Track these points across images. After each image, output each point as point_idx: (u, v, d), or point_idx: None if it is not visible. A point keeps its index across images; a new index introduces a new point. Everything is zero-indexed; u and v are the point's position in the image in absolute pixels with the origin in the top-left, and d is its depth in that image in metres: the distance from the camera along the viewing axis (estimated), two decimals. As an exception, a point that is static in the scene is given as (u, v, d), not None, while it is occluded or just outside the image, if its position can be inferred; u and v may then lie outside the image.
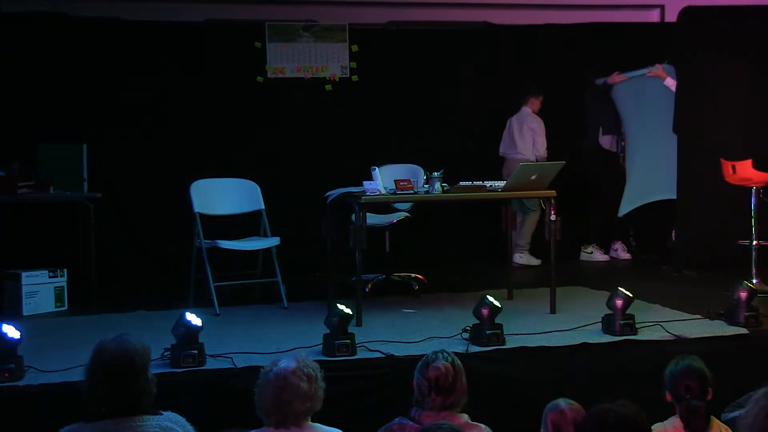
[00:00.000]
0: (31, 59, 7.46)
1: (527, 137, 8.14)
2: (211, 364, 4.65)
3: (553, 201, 5.88)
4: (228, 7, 8.30)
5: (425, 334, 5.21)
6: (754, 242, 6.67)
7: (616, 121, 8.28)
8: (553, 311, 5.91)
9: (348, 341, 4.81)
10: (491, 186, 5.91)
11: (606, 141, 8.26)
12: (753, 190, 6.67)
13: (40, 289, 6.32)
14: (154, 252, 7.71)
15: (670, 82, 7.65)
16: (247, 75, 8.00)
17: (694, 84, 7.60)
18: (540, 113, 8.25)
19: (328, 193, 6.09)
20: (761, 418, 2.38)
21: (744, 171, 6.63)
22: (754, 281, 6.49)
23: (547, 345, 5.04)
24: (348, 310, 4.83)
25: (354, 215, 5.75)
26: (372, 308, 6.07)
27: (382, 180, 5.85)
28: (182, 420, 3.16)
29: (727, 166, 6.73)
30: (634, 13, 9.16)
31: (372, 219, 6.61)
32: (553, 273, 5.99)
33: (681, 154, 7.68)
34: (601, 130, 8.25)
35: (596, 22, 8.74)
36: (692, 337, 5.20)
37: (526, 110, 8.21)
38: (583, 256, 8.39)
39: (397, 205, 6.93)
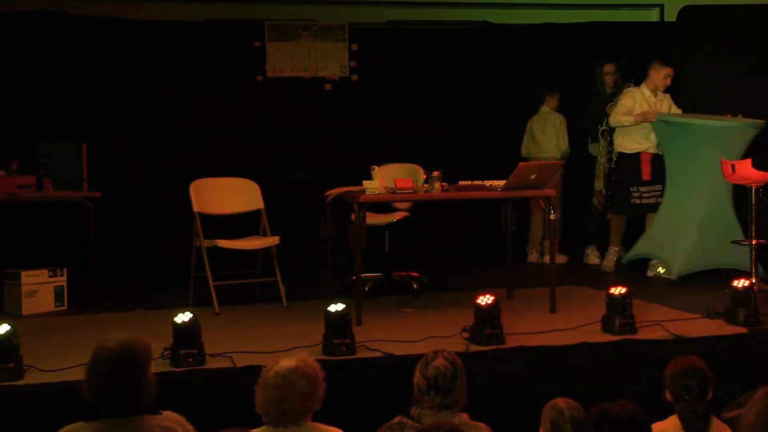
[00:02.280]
0: (30, 58, 7.46)
1: (551, 135, 8.17)
2: (211, 364, 4.66)
3: (552, 200, 5.88)
4: (227, 6, 8.32)
5: (425, 333, 5.21)
6: (753, 241, 6.67)
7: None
8: (552, 311, 5.91)
9: (348, 341, 4.81)
10: (491, 186, 5.91)
11: (594, 149, 8.11)
12: (752, 190, 6.67)
13: (40, 288, 6.32)
14: (154, 251, 7.71)
15: None
16: (246, 74, 8.00)
17: (694, 82, 7.61)
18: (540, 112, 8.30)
19: (328, 193, 6.09)
20: (762, 418, 2.38)
21: (743, 170, 6.63)
22: (753, 280, 6.50)
23: (546, 345, 5.04)
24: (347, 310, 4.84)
25: (353, 214, 5.75)
26: (372, 308, 6.08)
27: (381, 179, 5.85)
28: (182, 420, 3.15)
29: (726, 165, 6.73)
30: (634, 12, 9.16)
31: (372, 218, 6.61)
32: (552, 273, 5.99)
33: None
34: (590, 138, 8.15)
35: (595, 22, 8.74)
36: (692, 336, 5.20)
37: (545, 109, 8.24)
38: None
39: (397, 205, 6.93)
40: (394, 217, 6.90)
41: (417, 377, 3.60)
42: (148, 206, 7.70)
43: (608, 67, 8.02)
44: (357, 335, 4.95)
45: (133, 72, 7.73)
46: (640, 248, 7.46)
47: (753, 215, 6.66)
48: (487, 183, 5.94)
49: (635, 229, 7.68)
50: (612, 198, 7.70)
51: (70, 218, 7.04)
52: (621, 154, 7.50)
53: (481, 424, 3.55)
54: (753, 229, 6.65)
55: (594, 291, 6.58)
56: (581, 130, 8.23)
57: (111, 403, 3.07)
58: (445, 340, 5.00)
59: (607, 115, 7.82)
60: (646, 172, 7.42)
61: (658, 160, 7.42)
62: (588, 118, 8.15)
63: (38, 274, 6.33)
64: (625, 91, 7.57)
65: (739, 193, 6.81)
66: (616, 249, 7.73)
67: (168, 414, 3.14)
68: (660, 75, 7.37)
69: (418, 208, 7.00)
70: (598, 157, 8.03)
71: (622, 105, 7.42)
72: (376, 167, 5.94)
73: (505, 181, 5.80)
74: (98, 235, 6.67)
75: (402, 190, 5.77)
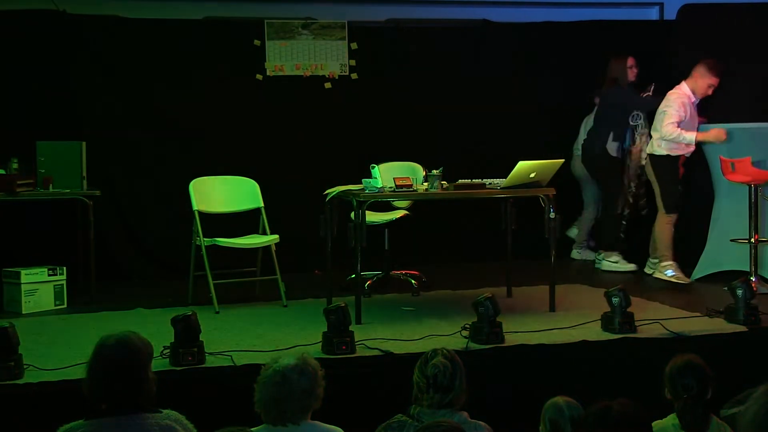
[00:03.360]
0: (30, 57, 7.45)
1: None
2: (210, 362, 4.66)
3: (552, 198, 5.87)
4: (227, 4, 8.30)
5: (424, 331, 5.22)
6: (753, 239, 6.67)
7: (623, 129, 7.76)
8: (552, 309, 5.91)
9: (347, 339, 4.81)
10: (490, 184, 5.91)
11: (613, 147, 7.83)
12: (751, 188, 6.66)
13: (40, 287, 6.32)
14: (154, 250, 7.70)
15: None
16: (246, 73, 7.99)
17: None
18: (540, 111, 8.30)
19: (328, 191, 6.09)
20: (761, 415, 2.38)
21: (743, 168, 6.62)
22: (752, 279, 6.50)
23: (546, 343, 5.05)
24: (347, 308, 4.84)
25: (353, 213, 5.75)
26: (371, 306, 6.08)
27: (381, 178, 5.85)
28: (182, 418, 3.16)
29: (726, 163, 6.72)
30: (634, 10, 9.15)
31: (371, 217, 6.61)
32: (552, 271, 5.99)
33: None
34: (611, 135, 7.77)
35: (595, 20, 8.73)
36: (692, 335, 5.20)
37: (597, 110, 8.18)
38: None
39: (397, 203, 6.93)
40: (394, 215, 6.90)
41: (416, 376, 3.60)
42: (147, 205, 7.70)
43: (630, 60, 7.74)
44: (356, 334, 4.95)
45: (133, 70, 7.73)
46: (708, 266, 7.14)
47: (753, 213, 6.66)
48: (487, 181, 5.95)
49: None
50: (667, 197, 7.23)
51: (69, 217, 7.04)
52: (667, 156, 7.15)
53: (481, 423, 3.55)
54: (753, 227, 6.65)
55: (593, 289, 6.58)
56: (595, 127, 8.01)
57: (111, 400, 3.07)
58: (445, 339, 5.01)
59: (635, 109, 7.68)
60: (680, 173, 7.31)
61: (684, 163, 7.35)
62: (609, 116, 7.81)
63: (38, 273, 6.33)
64: (671, 95, 7.13)
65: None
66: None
67: (168, 412, 3.14)
68: (704, 83, 7.09)
69: (417, 207, 7.00)
70: (629, 156, 7.74)
71: (673, 114, 7.03)
72: (375, 165, 5.94)
73: (504, 180, 5.80)
74: (98, 234, 6.69)
75: (401, 188, 5.76)
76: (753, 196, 6.67)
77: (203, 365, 4.63)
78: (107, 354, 3.11)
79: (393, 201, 6.77)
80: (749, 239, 6.68)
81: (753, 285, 6.34)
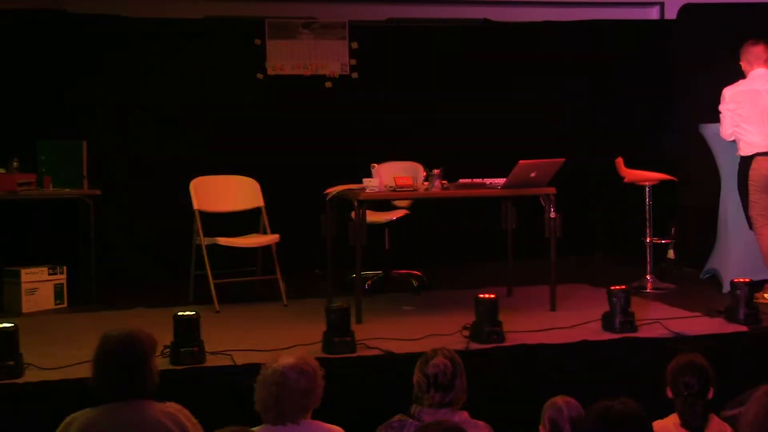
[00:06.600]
0: (30, 56, 7.45)
1: None
2: (210, 362, 4.67)
3: (552, 198, 5.87)
4: (228, 4, 8.30)
5: (425, 331, 5.21)
6: (647, 239, 6.85)
7: None
8: (553, 309, 5.91)
9: (348, 338, 4.82)
10: (491, 184, 5.91)
11: None
12: (646, 189, 6.83)
13: (40, 286, 6.33)
14: (154, 249, 7.70)
15: None
16: (246, 72, 7.99)
17: (694, 81, 7.60)
18: (540, 111, 8.29)
19: (328, 191, 6.09)
20: (761, 416, 2.38)
21: (619, 170, 6.88)
22: (648, 277, 6.70)
23: (546, 342, 5.05)
24: (347, 308, 4.84)
25: (353, 212, 5.75)
26: (372, 306, 6.08)
27: (381, 177, 5.84)
28: (185, 410, 3.19)
29: (620, 164, 6.89)
30: (634, 10, 9.16)
31: (371, 217, 6.61)
32: (553, 270, 5.99)
33: (681, 151, 7.69)
34: None
35: (595, 20, 8.73)
36: (692, 334, 5.20)
37: None
38: None
39: (397, 203, 6.93)
40: (394, 215, 6.91)
41: (417, 375, 3.60)
42: (148, 204, 7.69)
43: None
44: (357, 333, 4.95)
45: (133, 70, 7.72)
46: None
47: (648, 215, 6.81)
48: (487, 181, 5.95)
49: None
50: None
51: (70, 216, 7.04)
52: None
53: (481, 422, 3.55)
54: (649, 228, 6.80)
55: (594, 289, 6.58)
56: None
57: (116, 390, 3.10)
58: (445, 338, 5.01)
59: None
60: None
61: None
62: None
63: (38, 272, 6.33)
64: None
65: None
66: None
67: (172, 403, 3.18)
68: None
69: (418, 206, 7.00)
70: None
71: None
72: (376, 165, 5.94)
73: (505, 179, 5.80)
74: (98, 233, 6.69)
75: (402, 188, 5.77)
76: (647, 197, 6.83)
77: (203, 364, 4.63)
78: (111, 345, 3.17)
79: (393, 201, 6.77)
80: (644, 238, 6.84)
81: (648, 284, 6.62)
